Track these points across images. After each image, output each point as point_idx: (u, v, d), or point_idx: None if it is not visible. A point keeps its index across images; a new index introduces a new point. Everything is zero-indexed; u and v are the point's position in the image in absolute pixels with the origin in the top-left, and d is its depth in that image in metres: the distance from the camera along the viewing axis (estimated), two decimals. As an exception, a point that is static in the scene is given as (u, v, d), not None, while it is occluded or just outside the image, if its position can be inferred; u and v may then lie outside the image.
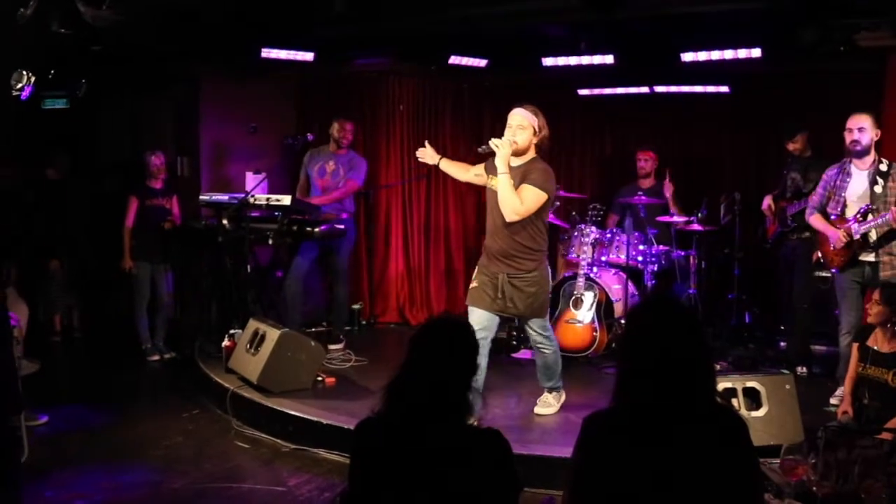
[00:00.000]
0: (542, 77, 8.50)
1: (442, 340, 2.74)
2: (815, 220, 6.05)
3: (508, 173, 5.10)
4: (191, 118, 8.53)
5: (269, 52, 7.75)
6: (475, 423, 2.74)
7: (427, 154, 5.82)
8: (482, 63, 8.33)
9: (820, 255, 6.08)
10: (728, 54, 7.28)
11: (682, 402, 2.42)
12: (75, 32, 6.17)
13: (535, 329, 5.56)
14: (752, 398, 4.98)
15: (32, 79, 6.28)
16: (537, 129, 5.31)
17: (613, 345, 7.29)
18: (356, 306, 8.81)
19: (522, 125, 5.27)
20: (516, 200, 5.11)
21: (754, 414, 4.87)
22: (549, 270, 5.59)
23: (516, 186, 5.14)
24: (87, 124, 8.57)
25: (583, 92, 8.87)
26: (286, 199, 7.00)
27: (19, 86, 6.27)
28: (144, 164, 7.90)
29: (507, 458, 2.67)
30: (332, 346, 7.57)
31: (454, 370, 2.70)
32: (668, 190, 7.91)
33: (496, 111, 9.51)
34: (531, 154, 5.32)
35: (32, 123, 7.64)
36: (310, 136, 7.88)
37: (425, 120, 9.45)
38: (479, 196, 9.48)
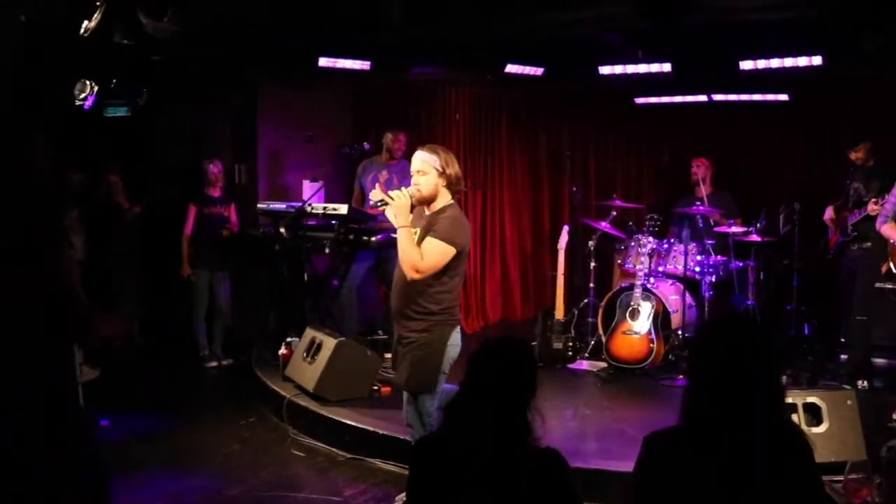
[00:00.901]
0: (599, 85, 8.49)
1: (502, 360, 2.72)
2: (888, 229, 5.95)
3: (408, 226, 4.35)
4: (248, 126, 8.57)
5: (326, 62, 7.72)
6: (534, 443, 2.71)
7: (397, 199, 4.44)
8: (539, 71, 8.27)
9: (892, 265, 5.96)
10: (788, 62, 7.16)
11: (749, 419, 2.39)
12: (137, 43, 6.25)
13: (417, 409, 4.50)
14: (813, 414, 4.89)
15: (95, 88, 6.34)
16: (441, 170, 4.44)
17: (671, 356, 7.22)
18: None
19: (422, 170, 4.46)
20: (416, 256, 4.32)
21: (815, 430, 4.78)
22: (457, 338, 4.51)
23: (421, 239, 4.40)
24: (147, 132, 8.63)
25: (640, 100, 8.80)
26: (343, 209, 6.99)
27: (83, 95, 6.36)
28: (203, 172, 7.98)
29: (567, 479, 2.67)
30: (387, 355, 7.34)
31: (514, 391, 2.69)
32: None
33: (553, 120, 9.64)
34: (444, 200, 4.49)
35: (95, 131, 7.73)
36: (366, 146, 7.91)
37: (481, 129, 9.45)
38: (535, 204, 9.66)
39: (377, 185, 7.36)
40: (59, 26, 5.91)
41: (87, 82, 6.43)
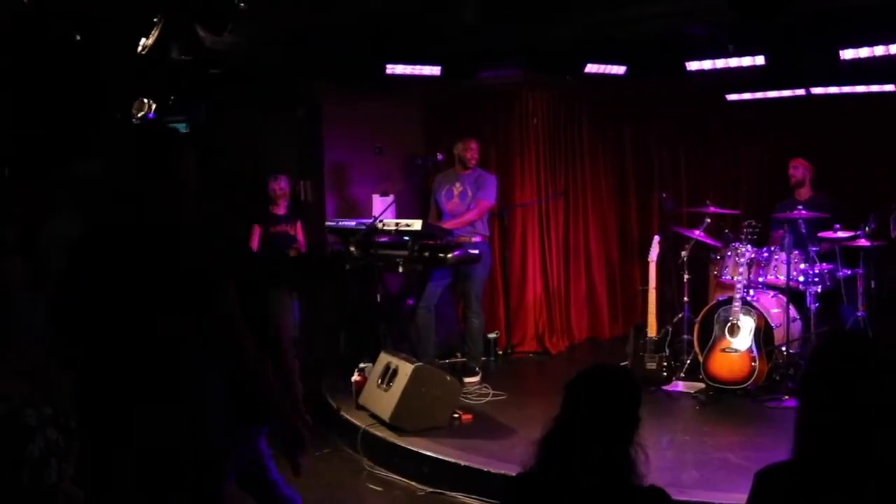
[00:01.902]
0: (687, 82, 8.36)
1: (603, 391, 2.67)
2: None
3: None
4: (313, 140, 8.63)
5: (393, 68, 7.74)
6: (638, 482, 2.65)
7: None
8: (621, 70, 8.14)
9: None
10: (894, 49, 6.91)
11: (868, 457, 2.28)
12: (195, 58, 6.33)
13: None
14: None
15: (153, 106, 6.43)
16: None
17: (775, 375, 7.05)
18: (492, 335, 8.78)
19: None
20: None
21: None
22: None
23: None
24: (207, 148, 8.60)
25: (732, 97, 8.62)
26: (416, 224, 7.02)
27: (140, 114, 6.45)
28: (266, 189, 8.03)
29: None
30: (467, 380, 7.54)
31: (616, 424, 2.64)
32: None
33: (638, 122, 9.58)
34: None
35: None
36: (439, 156, 7.97)
37: (561, 134, 9.42)
38: (621, 213, 9.61)
39: (453, 199, 7.62)
40: (117, 44, 6.04)
41: (145, 100, 6.51)
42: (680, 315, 7.82)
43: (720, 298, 7.46)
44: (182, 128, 7.37)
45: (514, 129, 9.19)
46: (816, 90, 8.14)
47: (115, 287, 2.85)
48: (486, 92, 9.06)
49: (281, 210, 8.08)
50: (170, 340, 2.87)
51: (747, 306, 7.11)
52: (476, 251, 7.56)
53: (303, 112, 8.65)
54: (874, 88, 7.96)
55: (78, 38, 5.61)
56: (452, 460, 5.62)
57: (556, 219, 9.40)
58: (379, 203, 8.37)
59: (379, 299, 7.31)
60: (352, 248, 7.27)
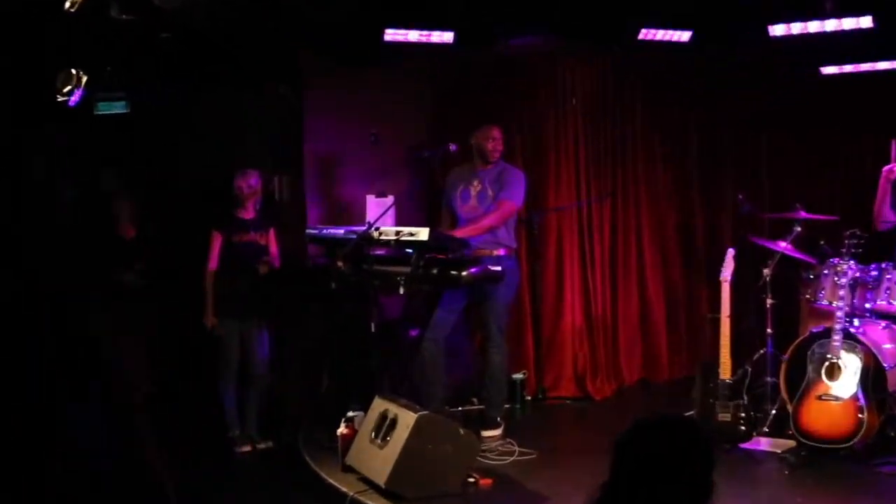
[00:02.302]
0: (770, 52, 8.45)
1: (661, 451, 2.64)
2: None
3: None
4: (291, 125, 8.65)
5: (393, 34, 7.81)
6: None
7: None
8: (685, 36, 8.20)
9: None
10: None
11: None
12: (140, 18, 6.35)
13: None
14: None
15: (84, 79, 6.31)
16: None
17: (889, 431, 6.92)
18: (518, 376, 8.80)
19: None
20: None
21: None
22: None
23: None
24: (153, 135, 8.65)
25: (828, 70, 8.65)
26: (422, 233, 6.83)
27: (67, 89, 6.35)
28: (231, 187, 7.99)
29: None
30: (486, 433, 7.54)
31: (679, 494, 2.60)
32: None
33: (706, 103, 9.72)
34: None
35: (82, 134, 7.79)
36: (452, 147, 7.92)
37: (607, 119, 9.40)
38: (684, 220, 9.87)
39: (470, 201, 7.60)
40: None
41: (74, 72, 6.42)
42: (762, 351, 7.73)
43: (814, 330, 7.39)
44: (120, 108, 7.34)
45: (548, 112, 9.16)
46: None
47: None
48: (510, 65, 9.07)
49: (249, 213, 8.00)
50: None
51: (851, 341, 6.97)
52: (498, 267, 7.45)
53: (279, 91, 8.72)
54: None
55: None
56: (467, 540, 5.50)
57: (601, 227, 9.36)
58: (374, 206, 8.36)
59: (373, 329, 7.19)
60: (339, 263, 7.13)
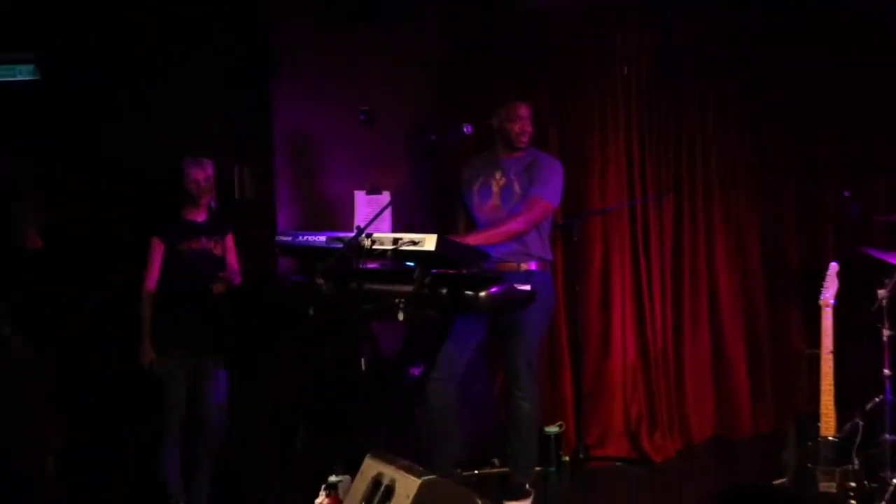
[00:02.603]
0: (884, 10, 8.68)
1: None
2: None
3: None
4: (257, 101, 8.47)
5: None
6: None
7: None
8: None
9: None
10: None
11: None
12: None
13: None
14: None
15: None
16: None
17: None
18: (553, 429, 8.67)
19: None
20: None
21: None
22: None
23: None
24: (74, 113, 8.48)
25: None
26: (428, 241, 6.47)
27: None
28: (180, 180, 7.80)
29: None
30: None
31: None
32: None
33: (798, 77, 9.57)
34: None
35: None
36: (467, 129, 7.47)
37: (669, 95, 9.24)
38: (771, 227, 9.69)
39: (491, 198, 7.71)
40: None
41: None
42: (877, 399, 7.48)
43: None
44: (27, 73, 7.31)
45: (591, 86, 9.02)
46: None
47: None
48: (543, 25, 8.96)
49: (200, 215, 7.77)
50: None
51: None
52: (528, 286, 7.10)
53: (241, 55, 8.47)
54: None
55: None
56: None
57: (661, 234, 9.21)
58: (365, 205, 8.42)
59: (363, 367, 6.71)
60: (319, 281, 6.69)
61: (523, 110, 7.61)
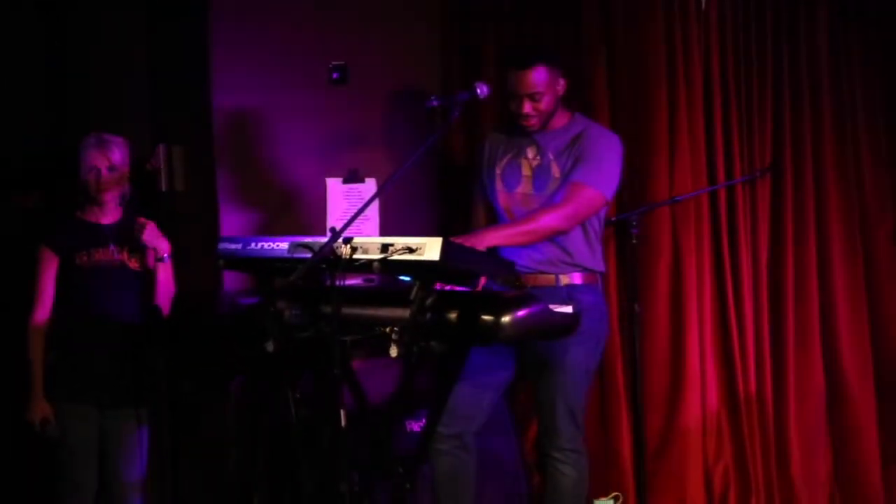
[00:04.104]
0: None
1: None
2: None
3: None
4: (187, 54, 8.56)
5: None
6: None
7: None
8: None
9: None
10: None
11: None
12: None
13: None
14: None
15: None
16: None
17: None
18: (606, 502, 8.60)
19: None
20: None
21: None
22: None
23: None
24: None
25: None
26: (430, 247, 6.32)
27: None
28: (73, 167, 7.77)
29: None
30: None
31: None
32: None
33: None
34: None
35: None
36: (481, 90, 7.40)
37: (763, 44, 9.09)
38: None
39: (520, 183, 7.67)
40: None
41: None
42: None
43: None
44: None
45: (653, 30, 8.90)
46: None
47: None
48: None
49: (107, 214, 7.75)
50: None
51: None
52: (568, 309, 6.96)
53: None
54: None
55: None
56: None
57: (753, 232, 9.07)
58: (342, 199, 8.60)
59: (343, 422, 6.62)
60: (281, 304, 6.82)
61: (524, 80, 7.35)
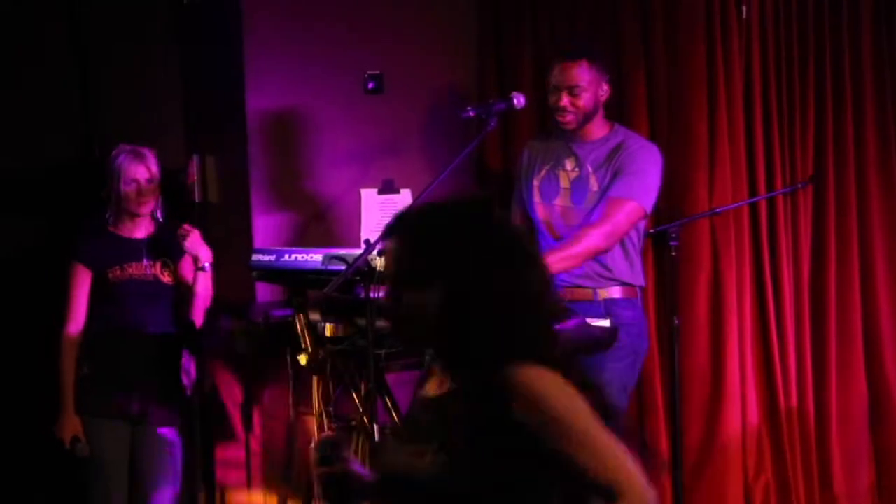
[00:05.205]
0: None
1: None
2: None
3: None
4: (221, 63, 8.68)
5: None
6: None
7: None
8: None
9: None
10: None
11: None
12: None
13: None
14: None
15: None
16: None
17: None
18: None
19: None
20: None
21: None
22: None
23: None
24: None
25: None
26: None
27: None
28: (106, 179, 7.81)
29: None
30: None
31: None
32: None
33: None
34: None
35: None
36: (518, 100, 7.70)
37: (805, 50, 9.04)
38: None
39: (558, 195, 7.85)
40: None
41: None
42: None
43: None
44: None
45: (693, 36, 8.87)
46: None
47: None
48: None
49: (140, 229, 7.85)
50: None
51: None
52: (605, 323, 7.33)
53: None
54: None
55: None
56: None
57: (795, 245, 9.05)
58: (377, 210, 8.63)
59: (376, 436, 6.87)
60: (314, 317, 6.96)
61: (566, 72, 7.55)
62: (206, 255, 7.74)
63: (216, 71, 8.62)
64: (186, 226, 7.75)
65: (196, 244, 7.71)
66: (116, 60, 8.66)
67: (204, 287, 7.75)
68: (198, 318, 7.80)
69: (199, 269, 7.73)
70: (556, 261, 7.21)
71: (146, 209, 7.72)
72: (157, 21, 8.66)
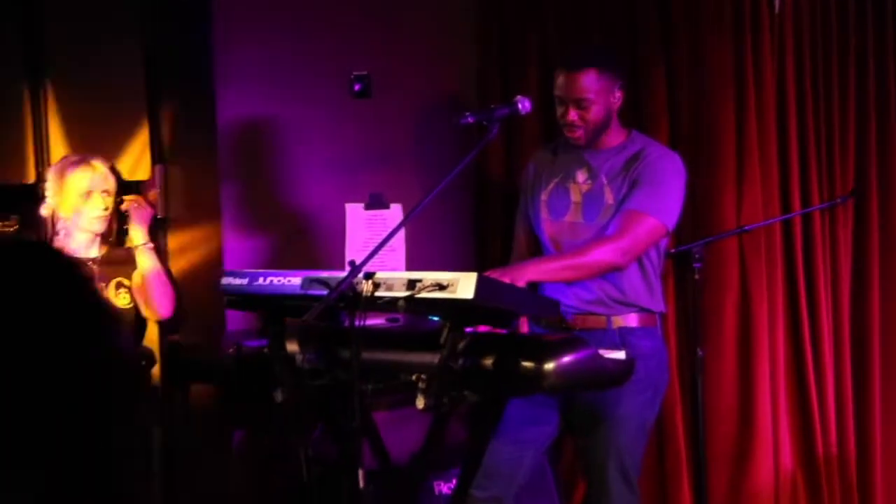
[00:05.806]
0: None
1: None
2: None
3: None
4: (187, 63, 8.60)
5: None
6: None
7: None
8: None
9: None
10: None
11: None
12: None
13: None
14: None
15: None
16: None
17: None
18: None
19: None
20: None
21: None
22: None
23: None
24: None
25: None
26: (464, 284, 6.20)
27: None
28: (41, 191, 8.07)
29: None
30: None
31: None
32: None
33: None
34: None
35: None
36: (523, 105, 7.23)
37: (848, 46, 8.95)
38: None
39: (568, 210, 7.54)
40: None
41: None
42: None
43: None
44: None
45: (719, 35, 8.81)
46: None
47: None
48: None
49: (90, 248, 7.78)
50: None
51: None
52: (621, 354, 6.84)
53: None
54: None
55: None
56: None
57: (833, 267, 8.97)
58: (362, 227, 8.72)
59: (361, 482, 6.53)
60: (292, 347, 6.42)
61: (571, 84, 7.19)
62: (146, 216, 7.67)
63: (181, 69, 8.41)
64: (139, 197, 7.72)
65: (143, 218, 7.61)
66: (75, 54, 8.45)
67: (153, 267, 7.56)
68: (164, 305, 7.60)
69: (138, 245, 7.60)
70: (558, 268, 7.12)
71: (98, 224, 7.49)
72: (122, 13, 8.52)
